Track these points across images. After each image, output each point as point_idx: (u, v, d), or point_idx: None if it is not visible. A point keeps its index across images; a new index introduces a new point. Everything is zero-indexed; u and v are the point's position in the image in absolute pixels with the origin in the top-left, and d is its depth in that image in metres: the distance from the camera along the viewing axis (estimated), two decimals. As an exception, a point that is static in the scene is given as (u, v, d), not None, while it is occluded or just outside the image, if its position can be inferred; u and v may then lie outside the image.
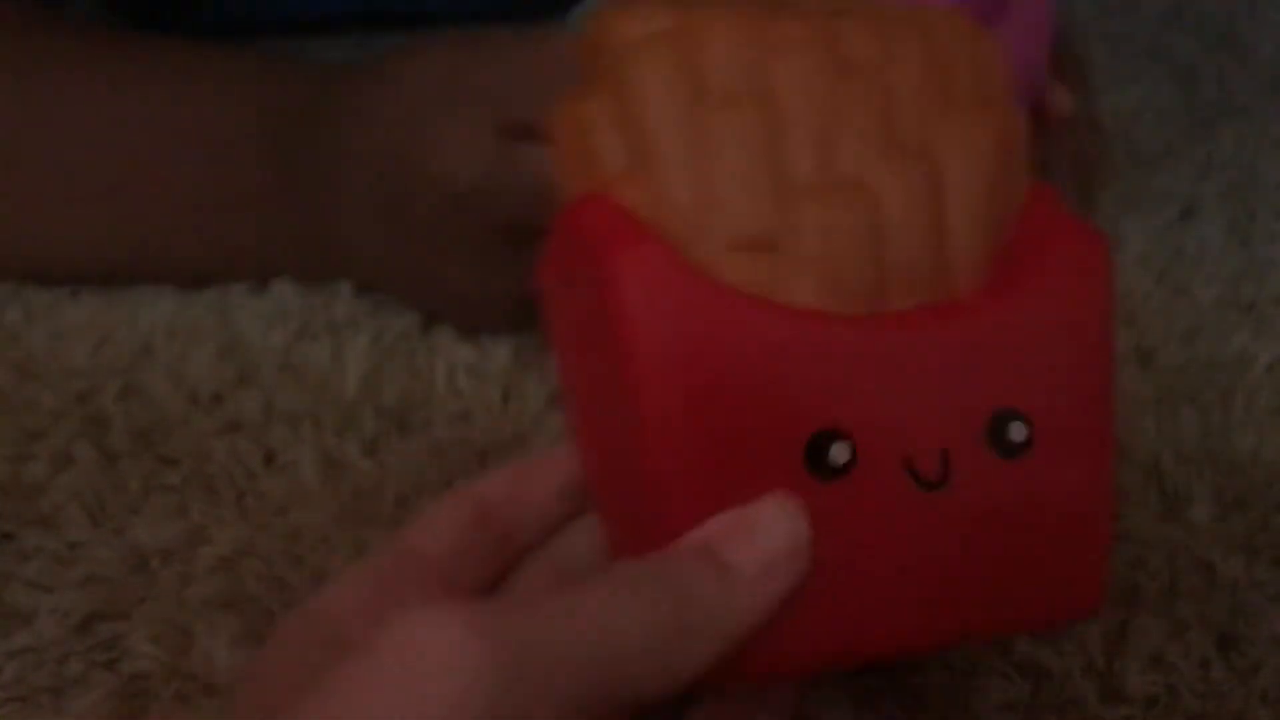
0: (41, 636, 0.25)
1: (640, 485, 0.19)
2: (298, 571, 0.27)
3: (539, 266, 0.21)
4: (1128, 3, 0.64)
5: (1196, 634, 0.25)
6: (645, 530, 0.19)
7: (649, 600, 0.17)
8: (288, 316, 0.35)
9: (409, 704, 0.15)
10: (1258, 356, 0.33)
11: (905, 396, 0.19)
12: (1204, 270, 0.37)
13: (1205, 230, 0.39)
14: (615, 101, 0.20)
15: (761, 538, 0.18)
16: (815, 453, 0.18)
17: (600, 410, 0.20)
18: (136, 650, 0.25)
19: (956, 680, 0.24)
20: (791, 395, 0.18)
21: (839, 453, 0.18)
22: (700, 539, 0.18)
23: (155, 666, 0.25)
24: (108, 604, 0.26)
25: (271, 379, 0.33)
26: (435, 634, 0.15)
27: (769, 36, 0.20)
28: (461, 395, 0.32)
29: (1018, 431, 0.19)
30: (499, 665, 0.15)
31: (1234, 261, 0.38)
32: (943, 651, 0.24)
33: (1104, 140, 0.41)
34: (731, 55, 0.19)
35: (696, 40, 0.19)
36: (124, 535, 0.28)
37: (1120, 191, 0.42)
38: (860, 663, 0.21)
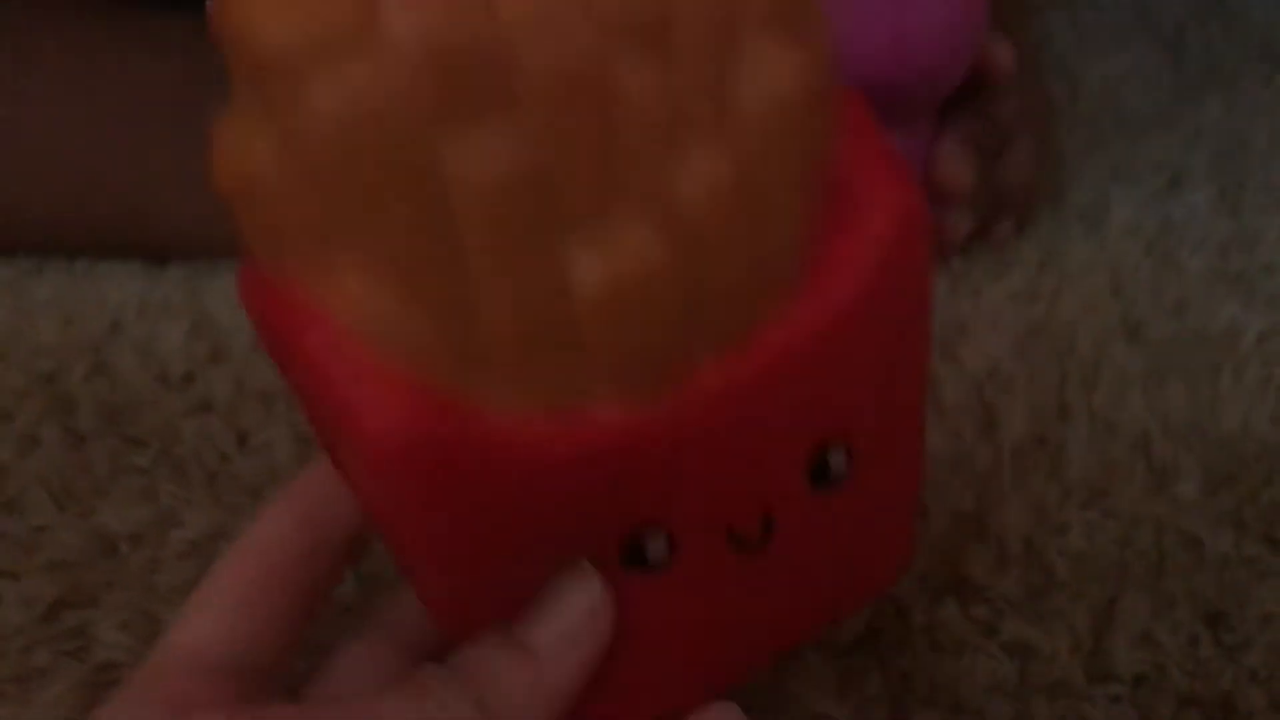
0: (6, 624, 0.24)
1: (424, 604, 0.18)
2: (271, 555, 0.26)
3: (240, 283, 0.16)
4: (1115, -32, 0.63)
5: (1185, 611, 0.24)
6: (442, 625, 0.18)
7: (450, 703, 0.17)
8: (260, 292, 0.34)
9: None
10: (1247, 328, 0.33)
11: (720, 469, 0.17)
12: (1192, 240, 0.37)
13: (1193, 199, 0.39)
14: (289, 149, 0.14)
15: (558, 611, 0.17)
16: (632, 553, 0.17)
17: (372, 514, 0.17)
18: (105, 639, 0.24)
19: (944, 661, 0.24)
20: (592, 510, 0.17)
21: (655, 549, 0.17)
22: (499, 626, 0.18)
23: (124, 655, 0.24)
24: (75, 591, 0.25)
25: (243, 357, 0.32)
26: None
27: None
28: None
29: (837, 462, 0.18)
30: None
31: (1223, 231, 0.37)
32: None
33: (1048, 98, 0.41)
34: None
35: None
36: (91, 519, 0.27)
37: (1107, 160, 0.41)
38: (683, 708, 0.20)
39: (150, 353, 0.32)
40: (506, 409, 0.15)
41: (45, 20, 0.36)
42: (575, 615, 0.17)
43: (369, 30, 0.13)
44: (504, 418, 0.15)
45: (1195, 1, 0.58)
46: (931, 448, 0.29)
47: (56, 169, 0.35)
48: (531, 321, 0.15)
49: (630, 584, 0.18)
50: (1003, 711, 0.23)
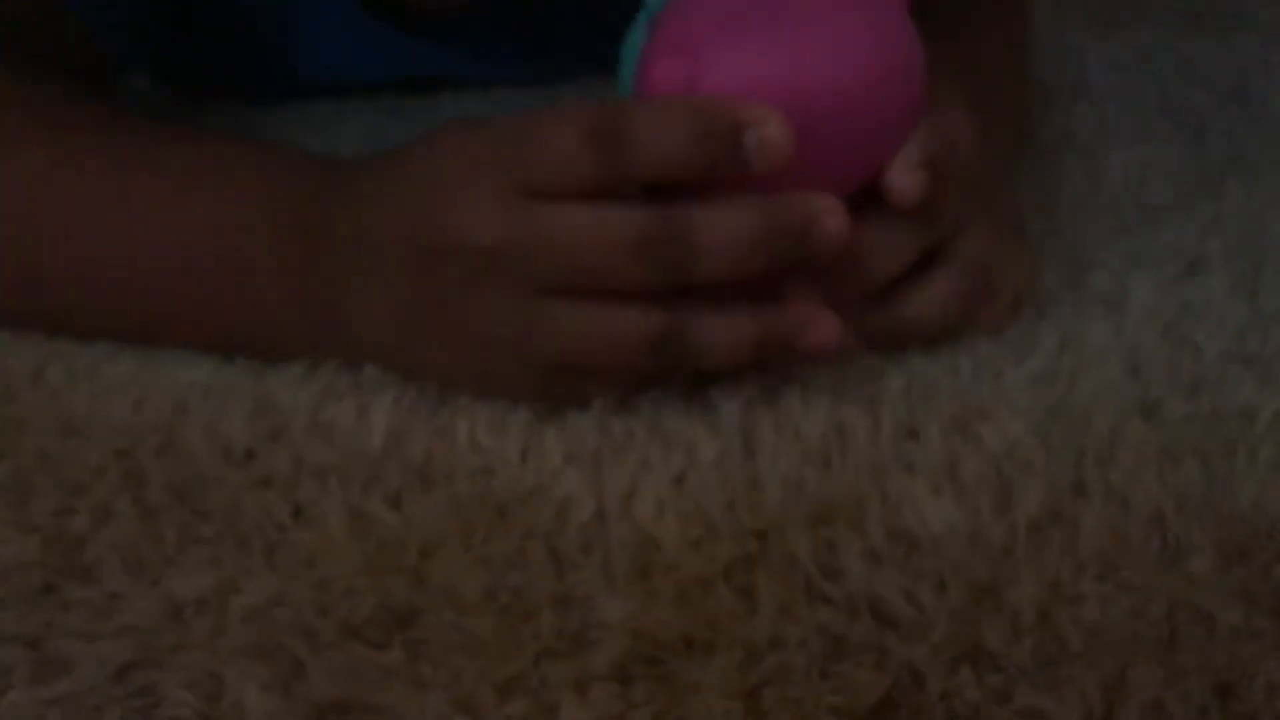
0: (81, 684, 0.26)
1: None
2: (326, 621, 0.28)
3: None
4: (1139, 58, 0.65)
5: (1195, 682, 0.25)
6: None
7: None
8: (315, 377, 0.36)
9: None
10: (1261, 409, 0.34)
11: None
12: (1209, 324, 0.38)
13: (1211, 284, 0.40)
14: None
15: None
16: None
17: None
18: (171, 697, 0.26)
19: (959, 727, 0.25)
20: None
21: None
22: None
23: (189, 713, 0.26)
24: (144, 653, 0.27)
25: (301, 436, 0.34)
26: None
27: None
28: (482, 451, 0.33)
29: None
30: None
31: (1239, 315, 0.38)
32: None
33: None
34: None
35: None
36: (160, 586, 0.29)
37: (1128, 246, 0.43)
38: None
39: (215, 432, 0.35)
40: None
41: (104, 139, 0.38)
42: None
43: None
44: None
45: (1218, 90, 0.60)
46: (949, 522, 0.30)
47: (110, 289, 0.37)
48: None
49: None
50: (1015, 776, 0.24)
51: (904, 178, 0.32)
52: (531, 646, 0.27)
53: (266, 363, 0.37)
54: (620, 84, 0.34)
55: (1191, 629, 0.27)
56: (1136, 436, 0.33)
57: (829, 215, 0.30)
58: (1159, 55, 0.64)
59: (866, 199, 0.33)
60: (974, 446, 0.33)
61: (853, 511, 0.31)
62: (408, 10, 0.55)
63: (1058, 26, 0.74)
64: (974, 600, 0.28)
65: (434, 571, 0.29)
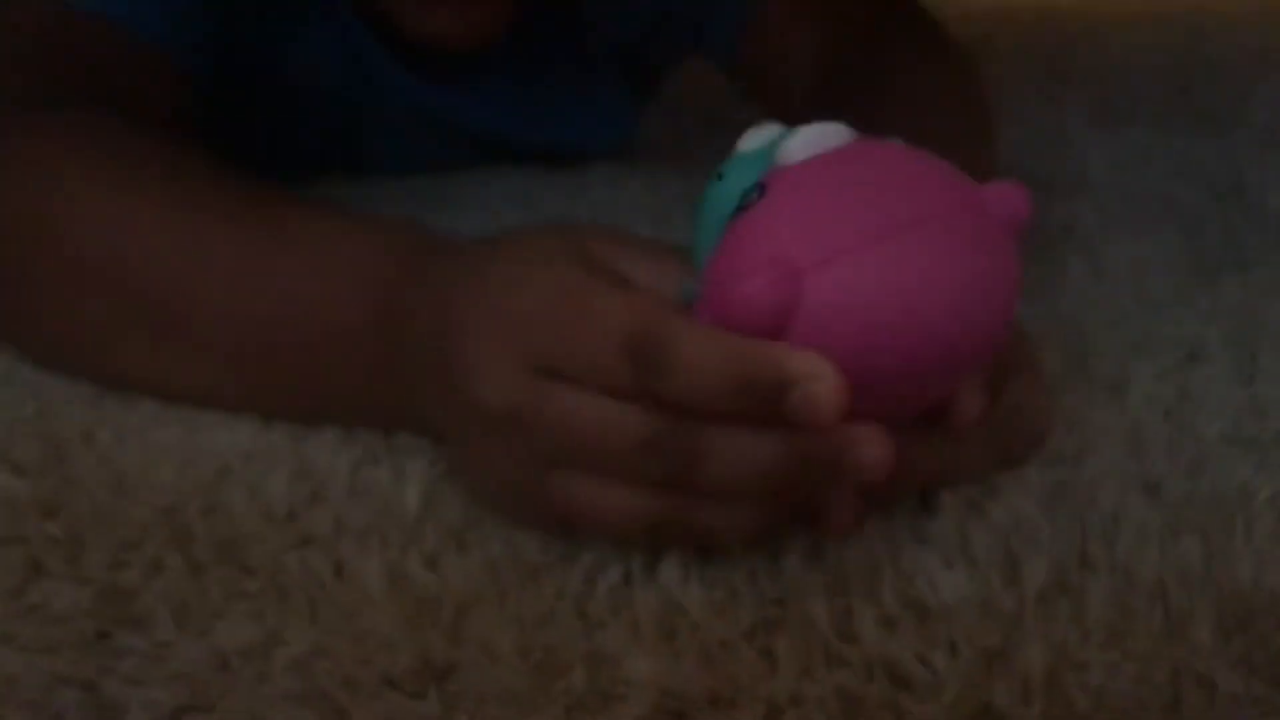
0: (133, 727, 0.28)
1: None
2: (366, 671, 0.29)
3: None
4: (1139, 157, 0.68)
5: (1198, 748, 0.27)
6: None
7: None
8: (353, 441, 0.38)
9: None
10: (1259, 489, 0.35)
11: None
12: (1208, 408, 0.40)
13: (1210, 371, 0.42)
14: None
15: None
16: None
17: None
18: (219, 742, 0.28)
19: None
20: None
21: None
22: None
23: (236, 757, 0.27)
24: (194, 699, 0.29)
25: (340, 498, 0.36)
26: None
27: None
28: (515, 515, 0.35)
29: None
30: None
31: (1237, 400, 0.40)
32: None
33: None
34: None
35: None
36: (208, 637, 0.31)
37: (1129, 335, 0.45)
38: None
39: (258, 493, 0.36)
40: None
41: (215, 203, 0.39)
42: None
43: None
44: None
45: (1214, 190, 0.63)
46: (960, 593, 0.31)
47: (205, 353, 0.39)
48: None
49: None
50: (1026, 831, 0.25)
51: (968, 406, 0.31)
52: (562, 700, 0.28)
53: (306, 426, 0.39)
54: (698, 230, 0.32)
55: (1194, 695, 0.28)
56: (1139, 513, 0.34)
57: (869, 445, 0.27)
58: (1158, 151, 0.67)
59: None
60: (984, 522, 0.34)
61: (868, 580, 0.32)
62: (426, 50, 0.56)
63: (1060, 120, 0.77)
64: (985, 664, 0.29)
65: (469, 628, 0.31)
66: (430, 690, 0.29)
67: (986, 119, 0.54)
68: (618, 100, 0.66)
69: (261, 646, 0.30)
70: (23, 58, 0.48)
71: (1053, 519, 0.34)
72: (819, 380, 0.26)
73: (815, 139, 0.30)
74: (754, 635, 0.30)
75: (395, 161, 0.64)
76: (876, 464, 0.27)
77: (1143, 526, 0.34)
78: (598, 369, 0.29)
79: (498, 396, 0.31)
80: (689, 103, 0.77)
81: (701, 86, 0.74)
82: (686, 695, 0.28)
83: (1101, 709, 0.28)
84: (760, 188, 0.29)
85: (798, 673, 0.29)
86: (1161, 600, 0.31)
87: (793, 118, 0.32)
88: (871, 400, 0.27)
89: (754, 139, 0.32)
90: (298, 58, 0.57)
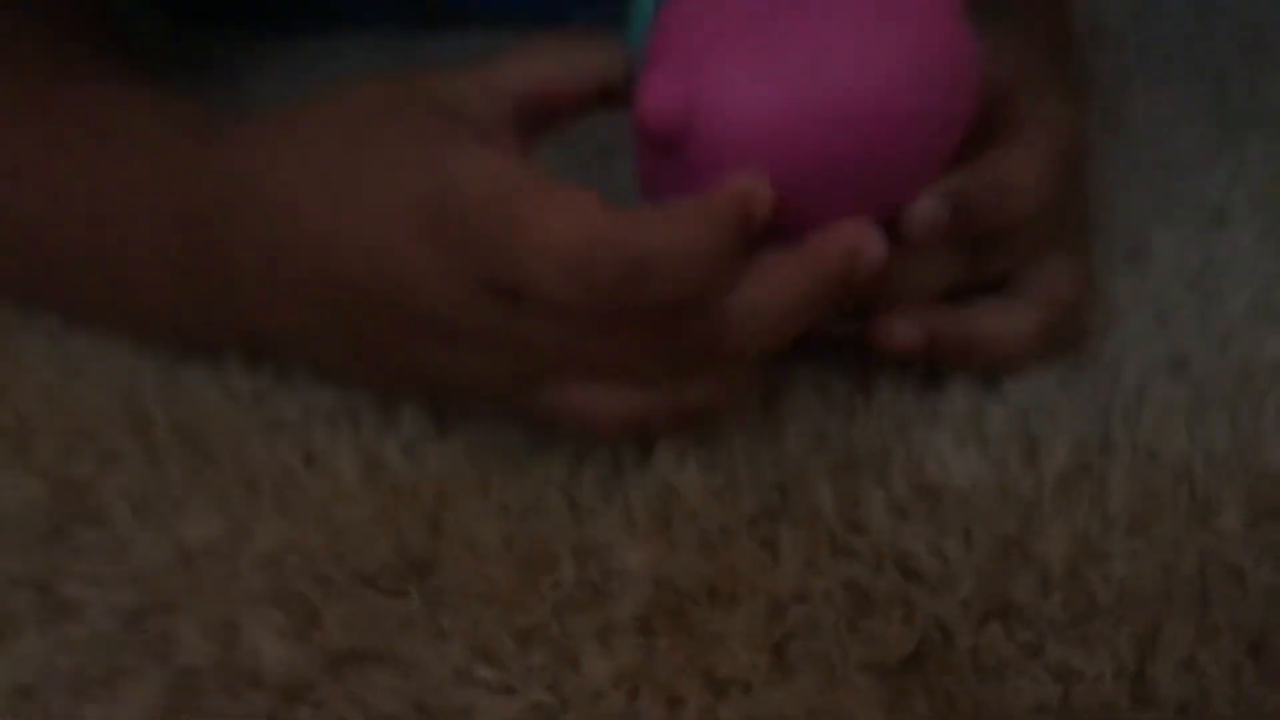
0: (94, 629, 0.26)
1: None
2: (340, 568, 0.27)
3: None
4: (1158, 6, 0.64)
5: (1228, 640, 0.25)
6: None
7: None
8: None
9: None
10: (1288, 364, 0.33)
11: None
12: (1235, 277, 0.37)
13: (1237, 236, 0.39)
14: None
15: None
16: None
17: None
18: (187, 643, 0.26)
19: (988, 684, 0.24)
20: None
21: None
22: None
23: (204, 660, 0.25)
24: (156, 598, 0.27)
25: (308, 380, 0.33)
26: None
27: None
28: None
29: None
30: None
31: (1266, 268, 0.37)
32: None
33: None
34: None
35: None
36: (170, 532, 0.28)
37: (1150, 198, 0.42)
38: None
39: (220, 374, 0.34)
40: None
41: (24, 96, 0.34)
42: None
43: None
44: None
45: (1239, 41, 0.59)
46: (975, 475, 0.30)
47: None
48: None
49: None
50: (1048, 733, 0.23)
51: (921, 210, 0.29)
52: (550, 597, 0.27)
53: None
54: (629, 40, 0.30)
55: (1223, 587, 0.26)
56: (1164, 391, 0.32)
57: (869, 245, 0.27)
58: (1178, 1, 0.62)
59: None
60: (999, 400, 0.32)
61: (877, 464, 0.30)
62: None
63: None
64: (1001, 554, 0.27)
65: (450, 519, 0.29)
66: (410, 587, 0.27)
67: None
68: None
69: (227, 541, 0.28)
70: None
71: (1072, 397, 0.32)
72: (755, 192, 0.26)
73: None
74: (755, 524, 0.29)
75: (359, 13, 0.59)
76: (878, 258, 0.27)
77: (1168, 405, 0.32)
78: (551, 297, 0.25)
79: (456, 314, 0.27)
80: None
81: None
82: (683, 588, 0.27)
83: (1125, 601, 0.26)
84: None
85: (802, 564, 0.27)
86: (1188, 483, 0.29)
87: None
88: (817, 205, 0.27)
89: None
90: None
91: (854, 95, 0.26)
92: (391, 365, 0.29)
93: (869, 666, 0.25)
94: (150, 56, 0.46)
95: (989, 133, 0.30)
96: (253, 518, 0.29)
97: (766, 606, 0.26)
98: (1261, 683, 0.24)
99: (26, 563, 0.28)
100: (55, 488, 0.30)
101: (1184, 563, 0.27)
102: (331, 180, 0.28)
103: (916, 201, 0.29)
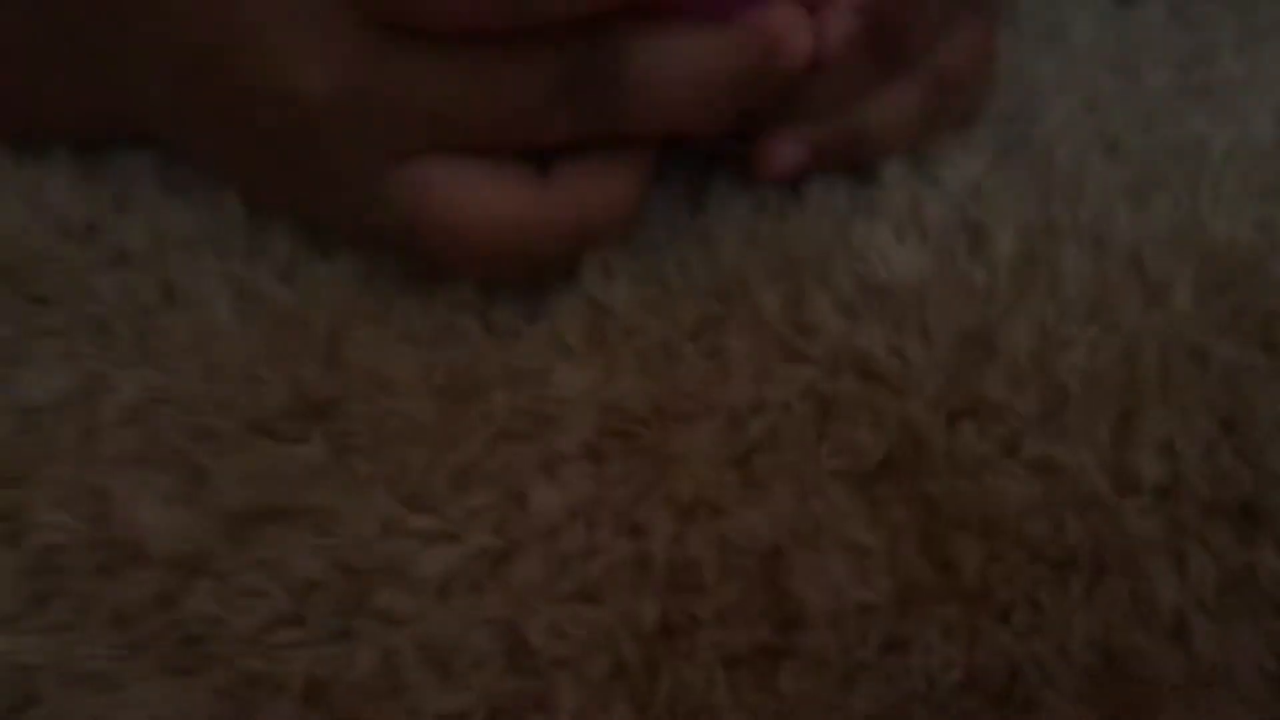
0: (-79, 512, 0.21)
1: None
2: (226, 417, 0.23)
3: None
4: None
5: (1200, 420, 0.24)
6: None
7: None
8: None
9: None
10: (1214, 140, 0.32)
11: None
12: (1152, 55, 0.36)
13: (1147, 16, 0.38)
14: None
15: None
16: None
17: None
18: (43, 520, 0.21)
19: (969, 484, 0.23)
20: None
21: None
22: None
23: (69, 537, 0.21)
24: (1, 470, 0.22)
25: (153, 202, 0.28)
26: None
27: None
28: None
29: None
30: None
31: (1181, 46, 0.36)
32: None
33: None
34: None
35: None
36: (6, 390, 0.23)
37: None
38: None
39: (39, 203, 0.28)
40: None
41: None
42: None
43: None
44: None
45: None
46: (924, 267, 0.27)
47: None
48: None
49: None
50: (1037, 528, 0.22)
51: (835, 27, 0.26)
52: (482, 430, 0.23)
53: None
54: None
55: (1187, 368, 0.25)
56: (1102, 172, 0.30)
57: (799, 36, 0.25)
58: None
59: None
60: (936, 189, 0.30)
61: (818, 264, 0.27)
62: None
63: None
64: (963, 349, 0.25)
65: (350, 353, 0.25)
66: (314, 432, 0.23)
67: None
68: None
69: (80, 397, 0.24)
70: None
71: (1010, 182, 0.30)
72: None
73: None
74: (698, 336, 0.26)
75: None
76: (804, 50, 0.25)
77: (1108, 187, 0.30)
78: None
79: (325, 82, 0.23)
80: None
81: None
82: (631, 410, 0.24)
83: (1095, 390, 0.25)
84: None
85: (754, 374, 0.25)
86: (1138, 266, 0.28)
87: None
88: None
89: None
90: None
91: None
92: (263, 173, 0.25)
93: (841, 475, 0.23)
94: None
95: None
96: (109, 367, 0.24)
97: (724, 422, 0.24)
98: (1237, 459, 0.23)
99: None
100: None
101: (1146, 346, 0.26)
102: None
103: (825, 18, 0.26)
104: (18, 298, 0.26)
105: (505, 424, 0.23)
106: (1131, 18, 0.37)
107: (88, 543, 0.21)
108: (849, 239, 0.28)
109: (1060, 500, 0.23)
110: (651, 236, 0.28)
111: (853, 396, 0.24)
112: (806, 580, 0.21)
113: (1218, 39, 0.36)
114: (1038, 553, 0.22)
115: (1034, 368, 0.25)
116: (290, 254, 0.27)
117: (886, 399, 0.24)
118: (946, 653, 0.21)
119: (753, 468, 0.23)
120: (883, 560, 0.22)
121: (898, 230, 0.29)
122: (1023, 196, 0.30)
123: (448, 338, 0.25)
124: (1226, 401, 0.24)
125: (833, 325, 0.26)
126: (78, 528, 0.21)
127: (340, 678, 0.21)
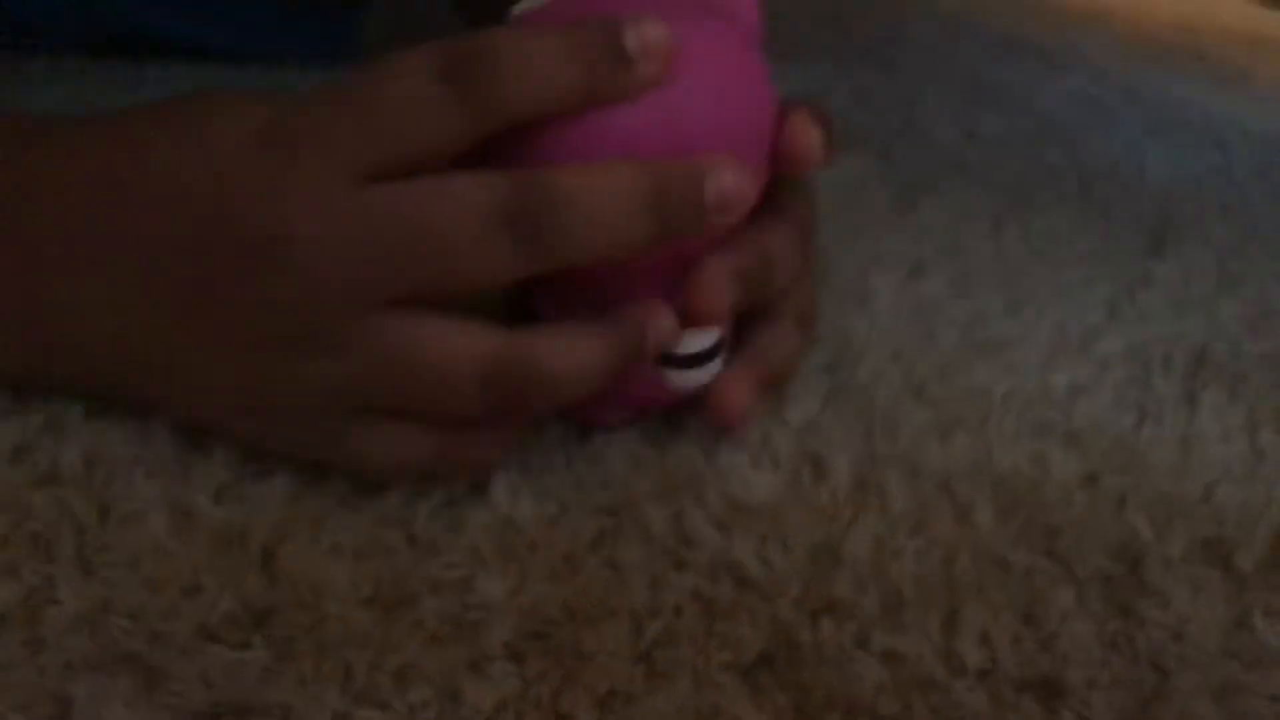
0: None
1: None
2: (175, 624, 0.25)
3: None
4: (824, 89, 0.73)
5: (1007, 615, 0.29)
6: None
7: None
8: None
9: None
10: (994, 388, 0.39)
11: None
12: (941, 318, 0.43)
13: (934, 285, 0.46)
14: None
15: None
16: None
17: None
18: (2, 723, 0.22)
19: (832, 672, 0.27)
20: None
21: None
22: None
23: (28, 739, 0.22)
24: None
25: (80, 426, 0.30)
26: None
27: None
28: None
29: None
30: None
31: (964, 310, 0.44)
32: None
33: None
34: None
35: None
36: (-47, 601, 0.25)
37: (862, 250, 0.48)
38: None
39: (-34, 425, 0.30)
40: None
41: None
42: None
43: None
44: None
45: (893, 123, 0.68)
46: (778, 489, 0.33)
47: None
48: None
49: None
50: (890, 707, 0.26)
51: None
52: (417, 634, 0.26)
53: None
54: None
55: (994, 572, 0.31)
56: (912, 413, 0.37)
57: (724, 170, 0.27)
58: (841, 84, 0.71)
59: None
60: (781, 424, 0.35)
61: (693, 485, 0.32)
62: None
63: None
64: (816, 559, 0.30)
65: (285, 565, 0.27)
66: (254, 639, 0.25)
67: None
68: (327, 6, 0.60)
69: (24, 609, 0.25)
70: None
71: (840, 420, 0.36)
72: (642, 24, 0.26)
73: None
74: (596, 548, 0.30)
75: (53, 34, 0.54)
76: (733, 188, 0.27)
77: (918, 426, 0.36)
78: (425, 117, 0.26)
79: (310, 224, 0.26)
80: (411, 7, 0.72)
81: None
82: (545, 614, 0.27)
83: (923, 593, 0.30)
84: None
85: (649, 582, 0.29)
86: (947, 491, 0.34)
87: None
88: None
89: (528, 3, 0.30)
90: None
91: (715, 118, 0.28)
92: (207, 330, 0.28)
93: (729, 667, 0.27)
94: None
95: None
96: (53, 579, 0.26)
97: (627, 623, 0.27)
98: (1037, 646, 0.29)
99: None
100: None
101: (960, 556, 0.31)
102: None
103: (699, 284, 0.30)
104: (-47, 514, 0.27)
105: (435, 628, 0.26)
106: (923, 285, 0.46)
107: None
108: (717, 464, 0.33)
109: (905, 683, 0.27)
110: (549, 460, 0.32)
111: (731, 599, 0.29)
112: (704, 761, 0.25)
113: (990, 308, 0.45)
114: (890, 730, 0.26)
115: (874, 573, 0.30)
116: (223, 476, 0.29)
117: (758, 601, 0.29)
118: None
119: (654, 662, 0.27)
120: (766, 741, 0.26)
121: (754, 458, 0.34)
122: (851, 432, 0.36)
123: (375, 550, 0.28)
124: (1025, 599, 0.30)
125: (709, 538, 0.30)
126: (31, 732, 0.23)
127: None
